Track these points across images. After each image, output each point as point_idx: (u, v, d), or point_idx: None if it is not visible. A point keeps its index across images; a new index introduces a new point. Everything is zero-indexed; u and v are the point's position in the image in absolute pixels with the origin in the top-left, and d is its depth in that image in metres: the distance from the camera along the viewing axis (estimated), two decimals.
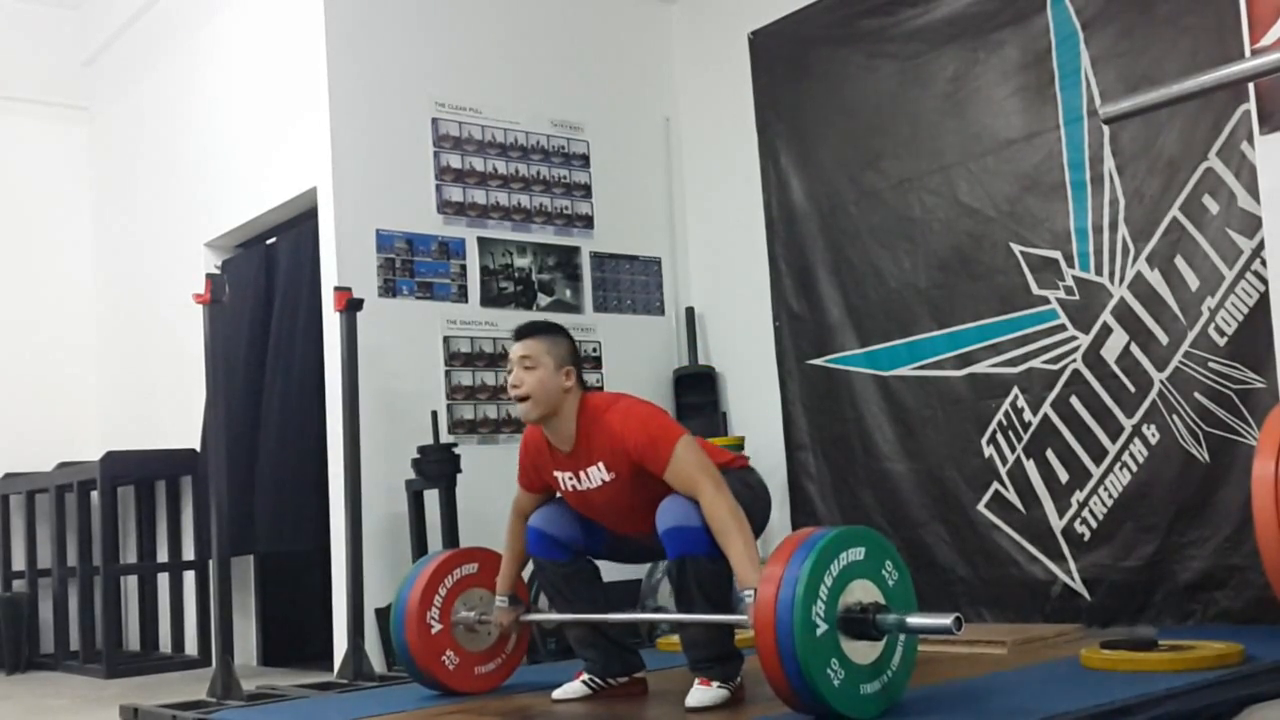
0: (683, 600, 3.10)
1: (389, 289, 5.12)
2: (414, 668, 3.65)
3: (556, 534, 3.36)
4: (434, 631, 3.60)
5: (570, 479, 3.29)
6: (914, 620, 2.74)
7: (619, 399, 3.29)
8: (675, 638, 4.48)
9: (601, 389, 5.22)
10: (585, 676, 3.36)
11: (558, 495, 3.42)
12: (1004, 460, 4.63)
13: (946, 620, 2.64)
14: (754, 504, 3.19)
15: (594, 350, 5.59)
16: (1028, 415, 4.56)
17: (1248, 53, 3.62)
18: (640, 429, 3.14)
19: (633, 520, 3.27)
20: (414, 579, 3.67)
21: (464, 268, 5.34)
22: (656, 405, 3.35)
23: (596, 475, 3.22)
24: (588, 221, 5.72)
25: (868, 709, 2.72)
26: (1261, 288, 3.87)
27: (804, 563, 2.65)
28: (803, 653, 2.59)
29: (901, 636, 2.79)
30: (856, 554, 2.74)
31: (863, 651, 2.72)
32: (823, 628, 2.63)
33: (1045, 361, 4.51)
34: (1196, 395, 4.09)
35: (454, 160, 5.38)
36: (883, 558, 2.80)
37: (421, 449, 4.81)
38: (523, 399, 3.21)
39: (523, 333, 3.31)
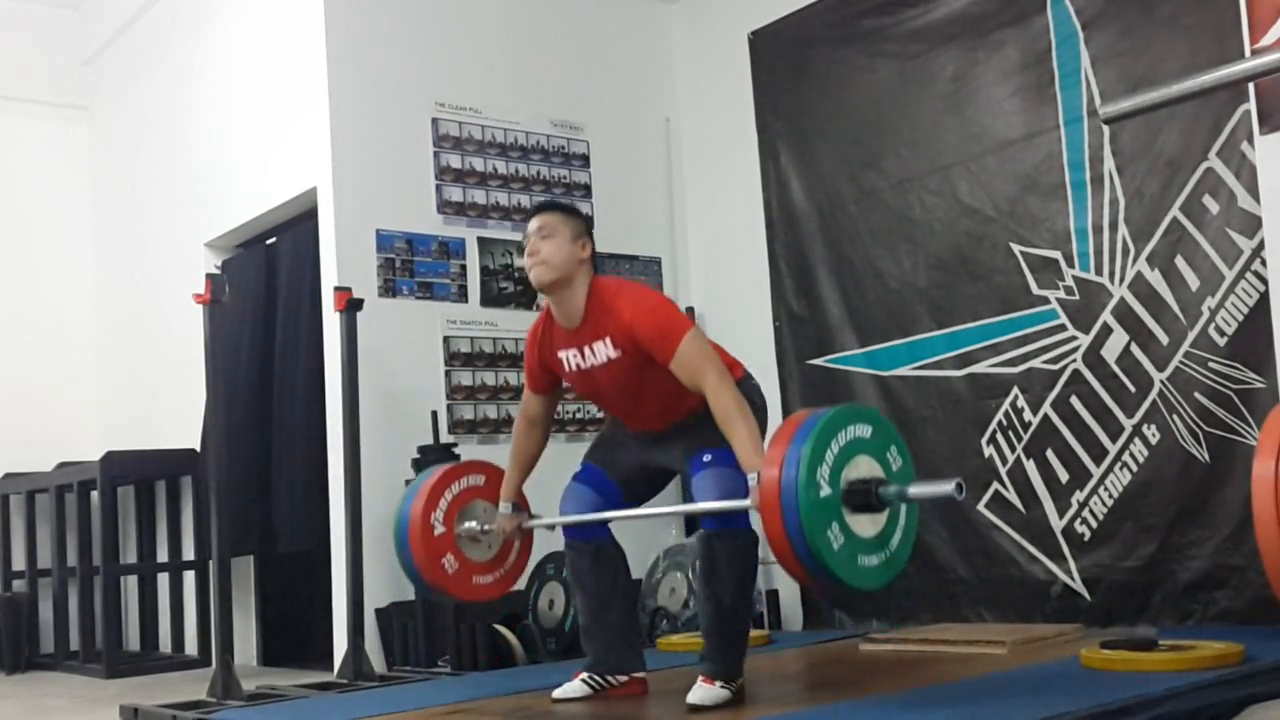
0: (708, 566, 3.12)
1: (389, 289, 5.12)
2: (412, 568, 3.61)
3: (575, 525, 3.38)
4: (436, 534, 3.57)
5: (575, 357, 3.28)
6: (915, 489, 2.79)
7: (626, 285, 3.31)
8: (675, 638, 4.50)
9: None
10: (585, 675, 3.35)
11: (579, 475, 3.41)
12: (1004, 460, 4.63)
13: (948, 486, 2.69)
14: (751, 408, 3.18)
15: None
16: (1028, 415, 4.56)
17: (1248, 53, 3.62)
18: (650, 318, 3.15)
19: (638, 403, 3.27)
20: (421, 482, 3.65)
21: (464, 268, 5.34)
22: (662, 295, 3.38)
23: (602, 351, 3.22)
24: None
25: (869, 579, 2.76)
26: (1261, 288, 3.87)
27: (809, 435, 2.69)
28: (806, 515, 2.63)
29: (903, 512, 2.84)
30: (862, 431, 2.79)
31: (865, 524, 2.76)
32: (826, 491, 2.67)
33: (1045, 361, 4.51)
34: (1196, 395, 4.09)
35: (454, 160, 5.38)
36: (888, 441, 2.85)
37: (421, 449, 4.81)
38: (538, 264, 3.23)
39: (539, 208, 3.37)
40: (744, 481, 2.99)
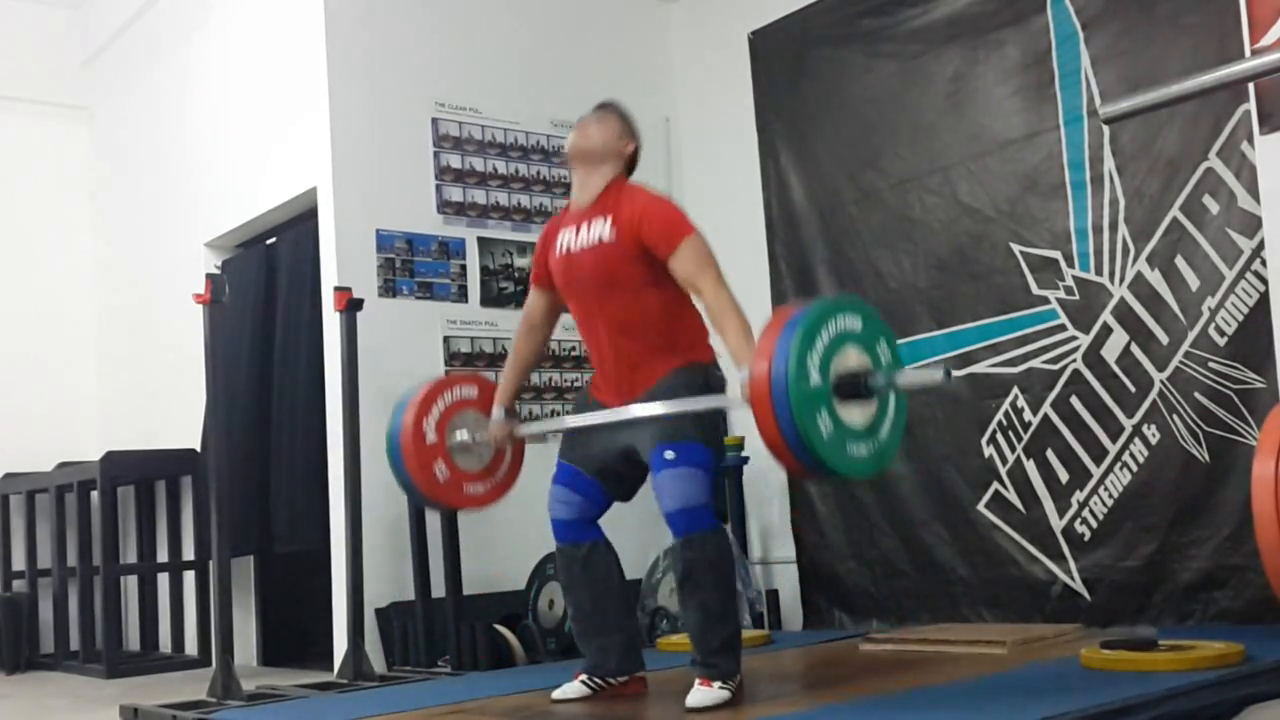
0: (687, 575, 3.13)
1: (389, 289, 5.12)
2: (403, 473, 3.59)
3: (566, 517, 3.36)
4: (428, 440, 3.56)
5: (570, 235, 3.33)
6: (903, 378, 2.85)
7: (650, 190, 3.39)
8: (675, 638, 4.49)
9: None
10: (584, 676, 3.35)
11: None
12: (1004, 460, 4.63)
13: (936, 374, 2.76)
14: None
15: None
16: (1028, 415, 4.56)
17: (1248, 53, 3.63)
18: (661, 213, 3.24)
19: (605, 302, 3.26)
20: (415, 390, 3.65)
21: (464, 268, 5.34)
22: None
23: (598, 230, 3.26)
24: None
25: (858, 468, 2.81)
26: (1261, 288, 3.87)
27: (798, 326, 2.74)
28: (796, 402, 2.67)
29: (892, 403, 2.87)
30: (852, 322, 2.84)
31: (854, 414, 2.80)
32: (815, 378, 2.72)
33: (1045, 361, 4.51)
34: (1196, 395, 4.09)
35: (454, 160, 5.38)
36: (878, 334, 2.90)
37: None
38: (580, 133, 3.35)
39: (601, 105, 3.47)
40: (708, 481, 3.09)
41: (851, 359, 2.81)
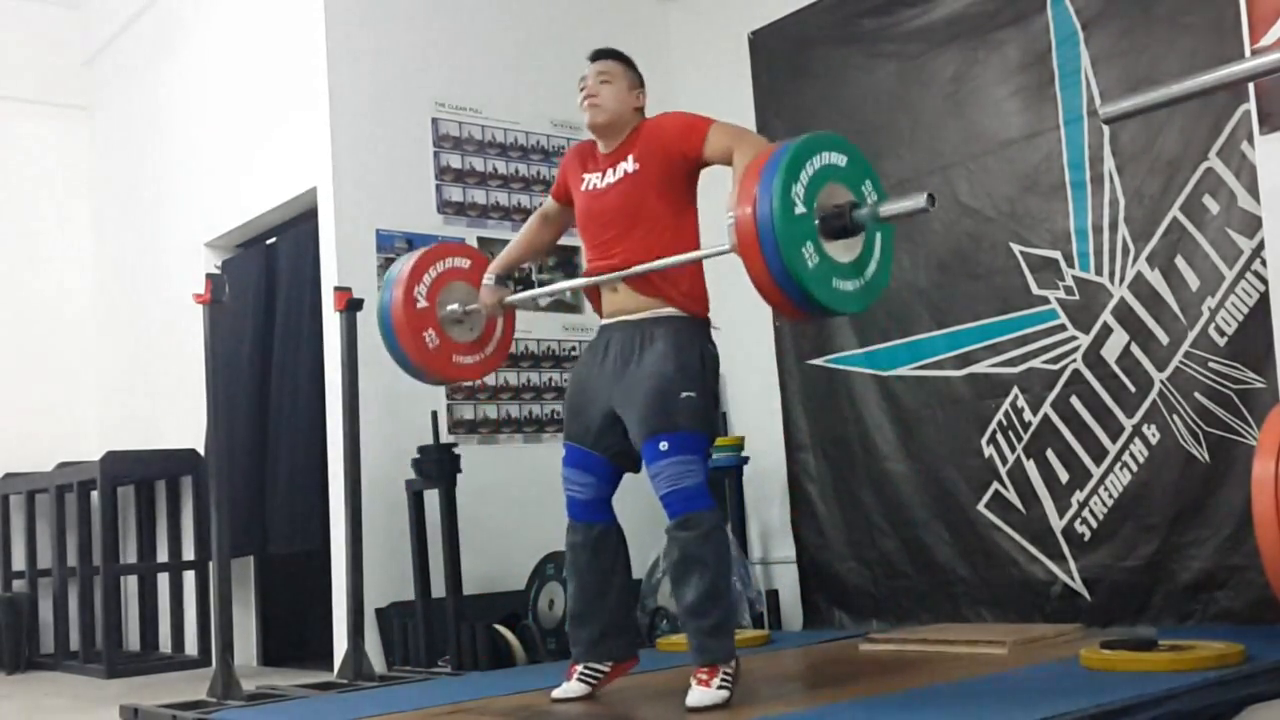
0: (682, 554, 3.12)
1: None
2: (393, 340, 3.60)
3: (582, 498, 3.35)
4: (419, 306, 3.56)
5: (595, 178, 3.37)
6: (886, 207, 2.87)
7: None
8: (675, 638, 4.49)
9: None
10: (580, 669, 3.35)
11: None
12: (1004, 460, 4.63)
13: (920, 199, 2.79)
14: (704, 371, 3.24)
15: None
16: (1028, 415, 4.56)
17: (1248, 53, 3.62)
18: (676, 118, 3.32)
19: (626, 235, 3.27)
20: (406, 256, 3.66)
21: None
22: None
23: (622, 168, 3.31)
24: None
25: (846, 303, 2.85)
26: (1261, 288, 3.87)
27: (781, 160, 2.77)
28: (781, 234, 2.70)
29: (878, 239, 2.91)
30: (836, 159, 2.88)
31: (840, 250, 2.84)
32: (800, 210, 2.75)
33: (1045, 361, 4.51)
34: (1196, 395, 4.09)
35: (454, 160, 5.38)
36: (863, 174, 2.94)
37: (421, 449, 4.80)
38: (594, 106, 3.34)
39: (600, 54, 3.44)
40: (701, 464, 3.11)
41: (837, 195, 2.84)
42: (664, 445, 3.13)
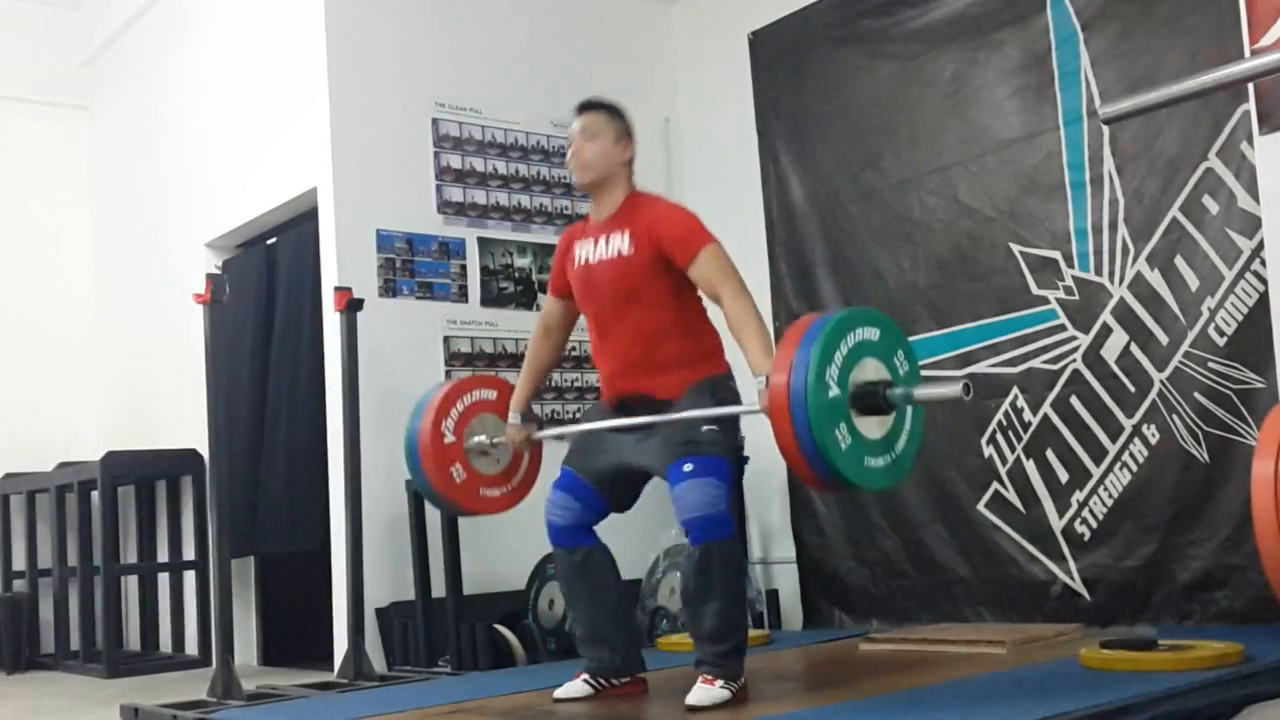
0: (703, 583, 3.11)
1: (389, 289, 5.12)
2: (420, 474, 3.61)
3: (563, 523, 3.36)
4: (446, 441, 3.56)
5: (588, 247, 3.33)
6: (921, 391, 2.83)
7: (667, 200, 3.40)
8: (675, 637, 4.50)
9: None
10: (586, 675, 3.36)
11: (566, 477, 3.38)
12: (1004, 460, 4.63)
13: (955, 387, 2.74)
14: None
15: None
16: (1028, 415, 4.56)
17: (1248, 53, 3.63)
18: (680, 222, 3.24)
19: (622, 316, 3.26)
20: (433, 393, 3.65)
21: (464, 268, 5.34)
22: None
23: (615, 244, 3.26)
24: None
25: (875, 480, 2.82)
26: (1261, 288, 3.87)
27: (817, 337, 2.73)
28: (814, 416, 2.66)
29: (909, 414, 2.87)
30: (869, 334, 2.84)
31: (872, 426, 2.80)
32: (834, 391, 2.71)
33: (1045, 361, 4.52)
34: (1196, 395, 4.09)
35: (454, 160, 5.38)
36: (896, 345, 2.89)
37: None
38: (581, 166, 3.31)
39: (584, 107, 3.42)
40: (726, 491, 3.06)
41: (869, 371, 2.80)
42: (688, 467, 3.11)
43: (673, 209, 3.30)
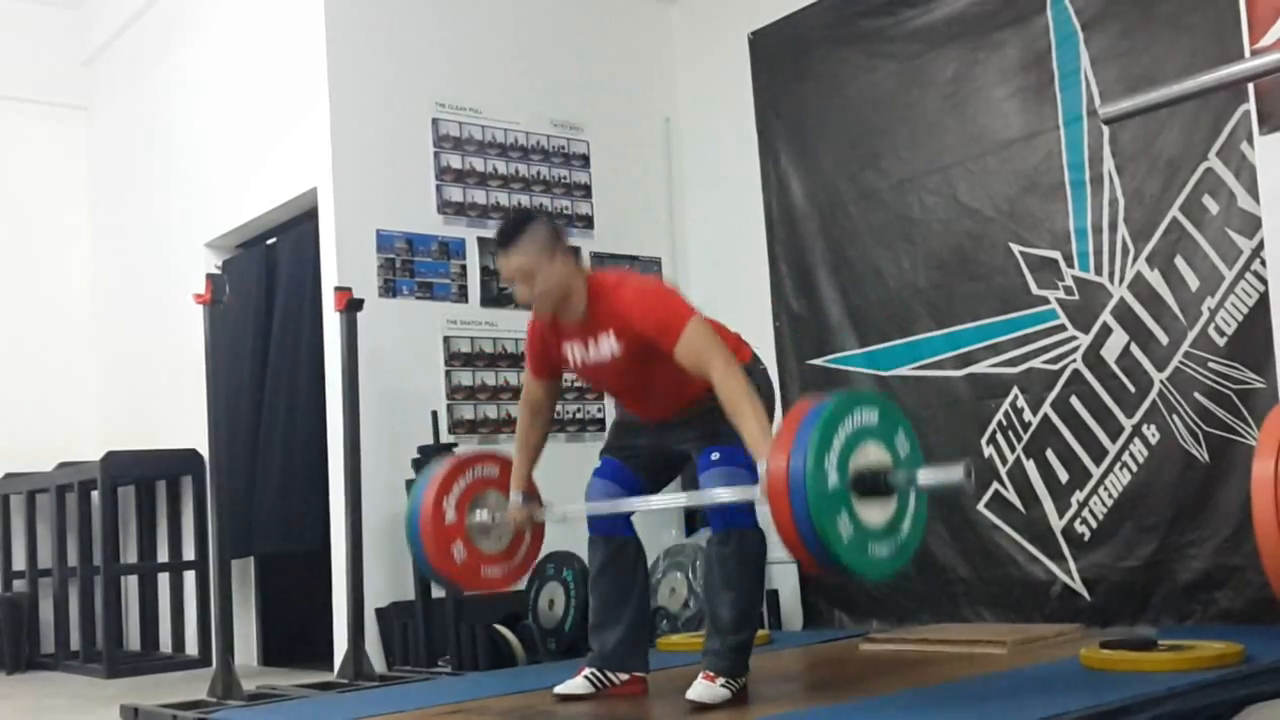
0: (722, 570, 3.13)
1: (389, 289, 5.13)
2: (421, 553, 3.57)
3: (598, 520, 3.38)
4: (448, 519, 3.53)
5: (579, 350, 3.28)
6: (924, 476, 2.77)
7: (627, 277, 3.33)
8: (676, 638, 4.49)
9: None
10: (588, 671, 3.35)
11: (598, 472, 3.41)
12: (1004, 460, 4.63)
13: (957, 473, 2.68)
14: (758, 393, 3.14)
15: None
16: (1027, 415, 4.56)
17: (1248, 53, 3.62)
18: (650, 311, 3.11)
19: (646, 393, 3.29)
20: (434, 469, 3.62)
21: (464, 268, 5.34)
22: (666, 284, 3.42)
23: (606, 346, 3.21)
24: (588, 222, 5.72)
25: (879, 568, 2.74)
26: (1261, 288, 3.87)
27: (815, 423, 2.65)
28: (814, 505, 2.59)
29: (912, 500, 2.81)
30: (868, 417, 2.75)
31: (874, 512, 2.72)
32: (834, 478, 2.63)
33: (1045, 361, 4.51)
34: (1196, 395, 4.09)
35: (454, 160, 5.38)
36: (895, 426, 2.82)
37: (421, 449, 4.81)
38: (534, 303, 3.22)
39: (500, 245, 3.23)
40: (750, 479, 2.99)
41: (870, 455, 2.73)
42: (715, 455, 3.14)
43: (640, 294, 3.16)
